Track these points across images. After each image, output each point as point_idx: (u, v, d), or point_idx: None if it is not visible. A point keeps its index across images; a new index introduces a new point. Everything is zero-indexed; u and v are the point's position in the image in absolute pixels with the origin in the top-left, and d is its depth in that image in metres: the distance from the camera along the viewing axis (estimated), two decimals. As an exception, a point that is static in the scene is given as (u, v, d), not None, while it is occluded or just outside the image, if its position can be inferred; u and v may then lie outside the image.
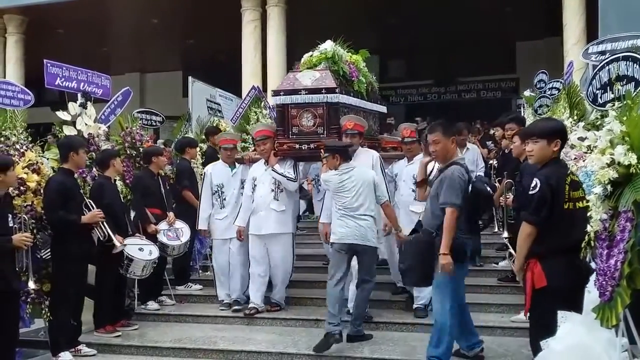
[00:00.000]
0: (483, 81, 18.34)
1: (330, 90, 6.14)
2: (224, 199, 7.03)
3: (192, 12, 13.84)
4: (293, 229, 6.72)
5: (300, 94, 6.20)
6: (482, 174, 8.15)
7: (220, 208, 7.03)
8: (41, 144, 6.53)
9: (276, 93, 6.41)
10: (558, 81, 9.12)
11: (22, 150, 5.81)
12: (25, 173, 5.60)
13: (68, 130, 6.55)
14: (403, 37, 15.98)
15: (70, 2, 13.25)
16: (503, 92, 18.09)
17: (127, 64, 17.92)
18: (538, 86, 10.07)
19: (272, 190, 6.46)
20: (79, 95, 6.87)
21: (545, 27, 14.63)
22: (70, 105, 6.71)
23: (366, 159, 6.03)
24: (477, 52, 16.73)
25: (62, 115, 6.68)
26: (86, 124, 6.71)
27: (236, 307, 6.65)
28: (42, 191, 5.57)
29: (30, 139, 6.05)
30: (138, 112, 9.43)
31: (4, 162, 4.97)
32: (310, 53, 6.47)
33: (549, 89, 9.28)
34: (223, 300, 6.93)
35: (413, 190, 6.00)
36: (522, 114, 9.41)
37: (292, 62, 14.20)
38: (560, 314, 3.44)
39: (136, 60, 18.12)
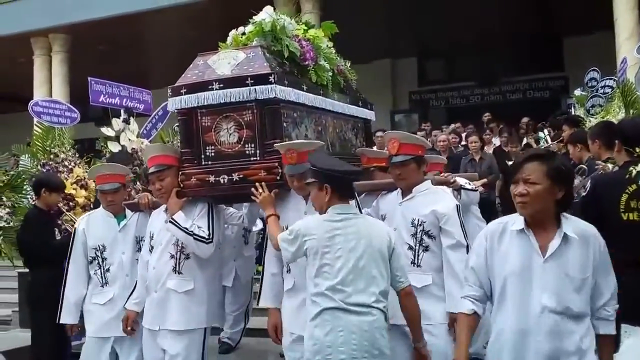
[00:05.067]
0: (529, 80, 17.61)
1: (260, 79, 3.74)
2: (107, 271, 4.50)
3: (229, 23, 13.51)
4: (208, 321, 4.20)
5: (212, 89, 3.83)
6: None
7: (102, 285, 4.51)
8: (87, 160, 6.66)
9: (175, 92, 3.95)
10: (611, 79, 8.72)
11: (70, 166, 5.93)
12: (73, 189, 5.78)
13: (112, 146, 6.68)
14: (442, 38, 15.60)
15: (112, 18, 13.38)
16: (551, 91, 17.37)
17: (168, 78, 17.57)
18: (589, 85, 9.62)
19: (172, 257, 4.09)
20: (122, 111, 6.91)
21: (594, 21, 13.85)
22: (114, 121, 6.81)
23: None
24: (522, 50, 16.12)
25: (106, 131, 6.76)
26: (129, 139, 6.77)
27: None
28: (91, 206, 5.60)
29: (77, 155, 6.17)
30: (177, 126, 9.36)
31: (61, 184, 5.11)
32: (243, 29, 4.32)
33: (602, 87, 8.83)
34: None
35: (411, 248, 3.81)
36: (573, 114, 9.06)
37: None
38: (624, 328, 3.24)
39: (177, 74, 17.69)
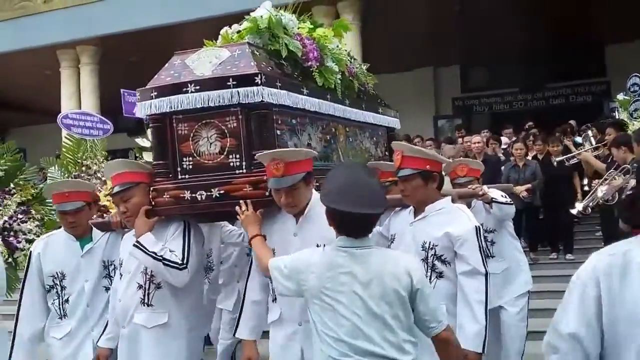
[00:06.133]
0: (572, 86, 17.59)
1: (244, 80, 3.24)
2: (66, 301, 3.87)
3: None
4: (188, 357, 3.63)
5: (187, 92, 3.30)
6: None
7: (60, 318, 3.89)
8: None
9: (144, 95, 3.43)
10: (653, 84, 8.86)
11: (103, 178, 5.87)
12: (107, 201, 5.65)
13: (147, 156, 6.48)
14: (484, 45, 15.43)
15: (142, 30, 13.20)
16: (594, 96, 17.34)
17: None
18: (632, 90, 9.68)
19: (140, 287, 3.52)
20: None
21: (636, 29, 13.95)
22: (149, 132, 6.72)
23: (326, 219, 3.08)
24: (565, 56, 16.12)
25: (141, 142, 6.56)
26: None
27: None
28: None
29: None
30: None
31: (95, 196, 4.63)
32: (237, 26, 3.81)
33: (644, 92, 8.99)
34: None
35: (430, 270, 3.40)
36: (618, 118, 9.32)
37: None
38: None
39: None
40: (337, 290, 2.57)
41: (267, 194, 3.27)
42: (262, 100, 3.26)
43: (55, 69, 14.86)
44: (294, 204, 3.15)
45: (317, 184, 3.46)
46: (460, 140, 11.23)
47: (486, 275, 3.32)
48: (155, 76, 3.54)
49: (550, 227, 9.61)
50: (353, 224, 2.61)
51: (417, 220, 3.45)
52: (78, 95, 14.59)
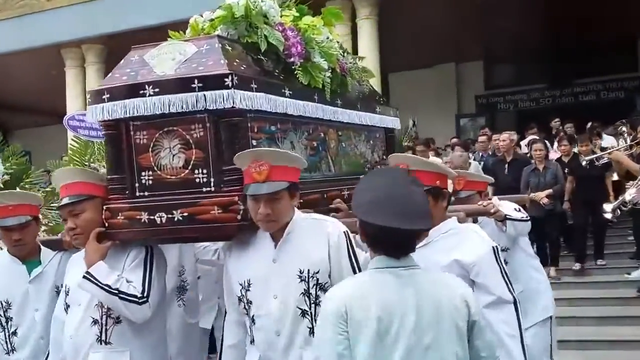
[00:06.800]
0: (603, 81, 17.17)
1: (212, 82, 2.68)
2: (14, 334, 3.43)
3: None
4: None
5: (146, 95, 2.74)
6: None
7: (7, 353, 3.46)
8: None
9: (96, 97, 2.85)
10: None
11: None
12: None
13: None
14: (509, 40, 15.04)
15: (150, 28, 12.77)
16: (626, 92, 16.99)
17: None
18: None
19: (95, 322, 2.99)
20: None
21: None
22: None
23: (312, 241, 2.68)
24: (594, 50, 15.65)
25: None
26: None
27: None
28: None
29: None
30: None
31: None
32: (210, 14, 3.26)
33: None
34: None
35: None
36: None
37: (385, 77, 13.13)
38: None
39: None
40: (386, 327, 2.10)
41: (239, 217, 2.69)
42: (233, 106, 2.70)
43: (60, 68, 14.64)
44: (274, 217, 2.62)
45: (300, 200, 2.89)
46: (483, 138, 10.69)
47: (515, 302, 2.95)
48: (109, 74, 2.99)
49: (580, 232, 8.95)
50: (395, 242, 2.19)
51: (421, 247, 2.78)
52: (84, 96, 14.21)
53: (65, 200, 3.02)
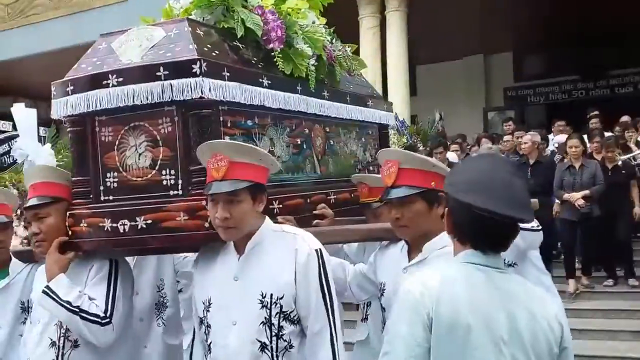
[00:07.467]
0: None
1: (179, 69, 2.39)
2: None
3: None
4: None
5: (109, 86, 2.45)
6: None
7: None
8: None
9: (60, 90, 2.60)
10: None
11: None
12: None
13: None
14: (540, 30, 14.72)
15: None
16: None
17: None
18: None
19: (53, 344, 2.64)
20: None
21: None
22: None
23: (278, 259, 2.30)
24: (632, 38, 14.95)
25: None
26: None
27: None
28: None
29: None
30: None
31: None
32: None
33: None
34: None
35: None
36: None
37: (413, 68, 12.66)
38: None
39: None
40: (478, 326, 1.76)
41: (206, 225, 2.37)
42: (202, 96, 2.39)
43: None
44: (233, 223, 2.25)
45: (280, 205, 2.57)
46: (508, 137, 9.71)
47: None
48: (75, 65, 2.68)
49: (605, 245, 8.07)
50: (492, 233, 1.84)
51: (413, 264, 2.48)
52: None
53: (31, 202, 2.73)
